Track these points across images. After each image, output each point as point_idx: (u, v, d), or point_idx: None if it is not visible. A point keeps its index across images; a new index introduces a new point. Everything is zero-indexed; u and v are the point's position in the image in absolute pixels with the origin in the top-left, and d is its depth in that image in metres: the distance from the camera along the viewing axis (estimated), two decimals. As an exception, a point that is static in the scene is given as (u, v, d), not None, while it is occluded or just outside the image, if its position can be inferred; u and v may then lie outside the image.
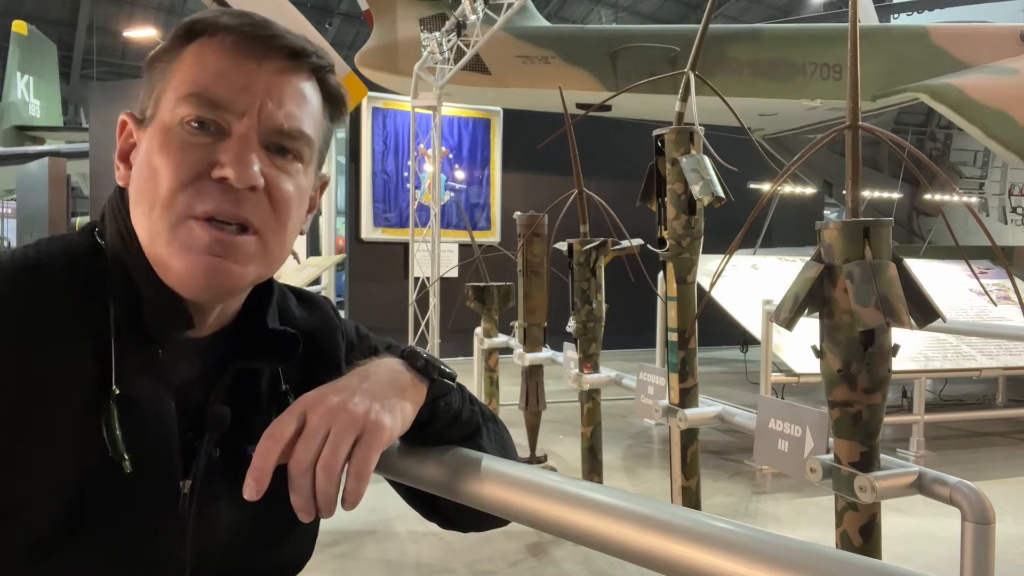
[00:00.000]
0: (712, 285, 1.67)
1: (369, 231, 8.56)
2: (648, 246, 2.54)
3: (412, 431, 0.82)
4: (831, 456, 1.39)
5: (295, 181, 0.78)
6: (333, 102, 0.84)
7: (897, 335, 1.34)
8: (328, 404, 0.74)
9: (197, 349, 0.81)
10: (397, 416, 0.78)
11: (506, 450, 0.97)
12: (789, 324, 1.33)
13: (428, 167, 7.68)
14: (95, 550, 0.70)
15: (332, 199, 10.87)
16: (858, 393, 1.30)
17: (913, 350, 4.98)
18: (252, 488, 0.70)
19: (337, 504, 0.74)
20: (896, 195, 8.99)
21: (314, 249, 10.50)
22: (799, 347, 4.69)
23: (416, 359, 0.85)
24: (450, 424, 0.87)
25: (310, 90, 0.80)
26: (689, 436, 2.24)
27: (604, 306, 3.14)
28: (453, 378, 0.88)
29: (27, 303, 0.71)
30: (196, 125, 0.73)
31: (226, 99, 0.74)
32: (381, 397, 0.77)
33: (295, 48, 0.78)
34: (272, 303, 0.86)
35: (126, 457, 0.70)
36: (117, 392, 0.71)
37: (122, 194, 0.80)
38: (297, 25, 4.94)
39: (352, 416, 0.73)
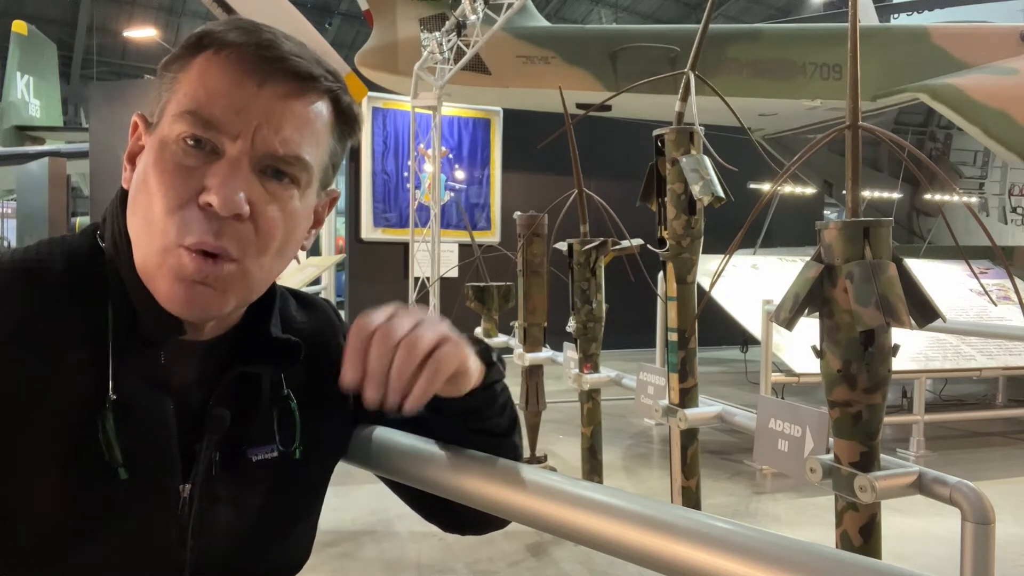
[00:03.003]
0: (712, 285, 1.68)
1: (369, 231, 8.56)
2: (648, 246, 2.54)
3: (468, 418, 0.84)
4: (831, 456, 1.39)
5: (287, 206, 0.76)
6: (345, 121, 0.82)
7: (897, 335, 1.35)
8: (417, 311, 0.76)
9: (198, 352, 0.81)
10: (468, 360, 0.79)
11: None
12: (789, 324, 1.33)
13: (428, 167, 7.68)
14: (94, 554, 0.70)
15: (332, 199, 10.85)
16: (858, 393, 1.30)
17: (913, 350, 4.98)
18: (350, 375, 0.72)
19: (401, 401, 0.73)
20: (896, 195, 8.99)
21: (314, 249, 10.49)
22: (799, 347, 4.69)
23: (477, 342, 0.86)
24: (501, 411, 0.89)
25: (315, 113, 0.77)
26: (689, 436, 2.24)
27: (604, 306, 3.14)
28: (505, 367, 0.90)
29: (26, 305, 0.71)
30: (191, 143, 0.72)
31: (220, 120, 0.72)
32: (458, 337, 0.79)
33: (301, 72, 0.75)
34: (275, 311, 0.86)
35: (122, 463, 0.70)
36: (114, 398, 0.71)
37: (123, 198, 0.79)
38: (297, 25, 4.94)
39: (438, 324, 0.76)
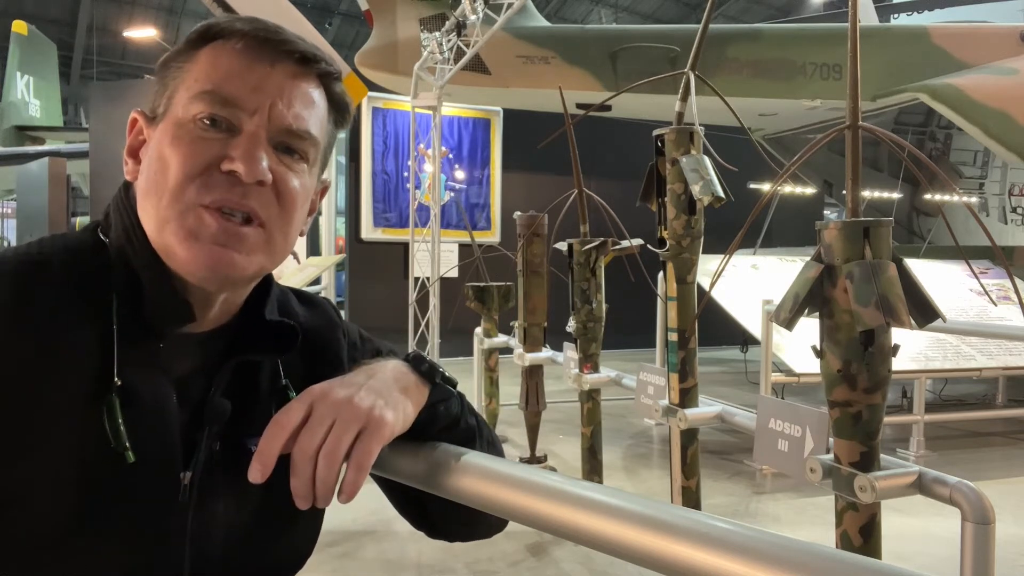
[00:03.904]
0: (712, 285, 1.67)
1: (369, 231, 8.56)
2: (648, 246, 2.54)
3: (410, 433, 0.83)
4: (831, 456, 1.39)
5: (300, 179, 0.81)
6: (338, 108, 0.86)
7: (897, 335, 1.34)
8: (335, 396, 0.77)
9: (197, 343, 0.82)
10: (399, 413, 0.80)
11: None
12: (789, 324, 1.33)
13: (428, 167, 7.68)
14: (96, 540, 0.70)
15: (332, 199, 10.87)
16: (858, 393, 1.30)
17: (913, 350, 4.98)
18: (257, 471, 0.72)
19: (334, 496, 0.75)
20: (896, 195, 8.99)
21: (314, 249, 10.50)
22: (799, 347, 4.69)
23: (420, 363, 0.87)
24: (448, 429, 0.88)
25: (317, 95, 0.82)
26: (689, 436, 2.24)
27: (604, 306, 3.14)
28: (454, 385, 0.91)
29: (30, 297, 0.72)
30: (208, 122, 0.76)
31: (238, 97, 0.76)
32: (385, 394, 0.80)
33: (306, 54, 0.80)
34: (271, 297, 0.88)
35: (128, 446, 0.70)
36: (119, 384, 0.72)
37: (127, 190, 0.81)
38: (297, 25, 4.94)
39: (357, 409, 0.76)
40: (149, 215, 0.77)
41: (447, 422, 0.88)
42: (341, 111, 0.86)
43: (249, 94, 0.76)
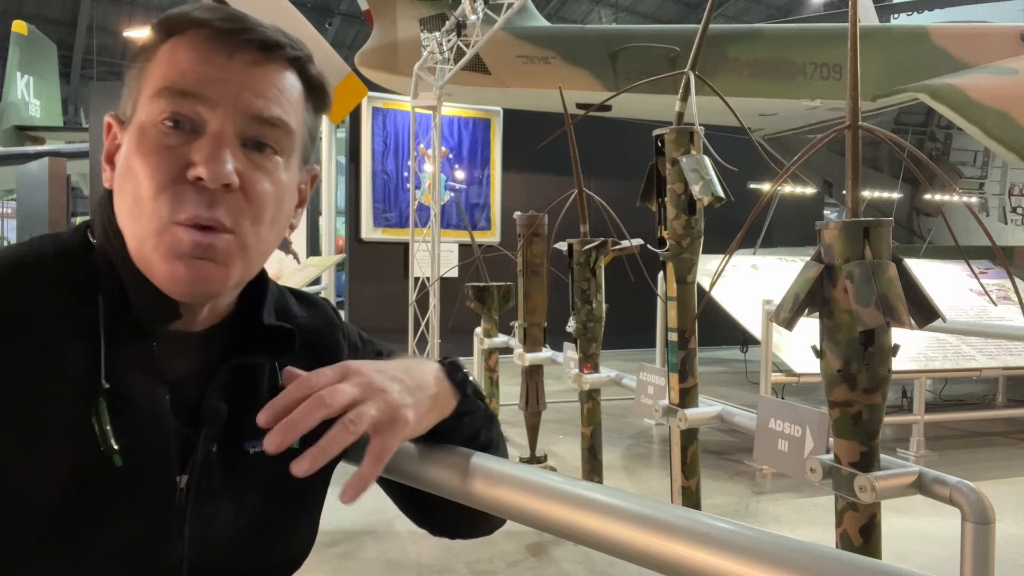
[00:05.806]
0: (712, 285, 1.67)
1: (369, 231, 8.56)
2: (648, 246, 2.54)
3: (430, 437, 0.83)
4: (831, 456, 1.39)
5: (274, 177, 0.77)
6: (314, 91, 0.82)
7: (897, 335, 1.35)
8: (371, 379, 0.76)
9: (192, 344, 0.81)
10: (421, 420, 0.80)
11: None
12: (789, 324, 1.33)
13: (428, 167, 7.68)
14: (91, 544, 0.70)
15: (332, 199, 10.86)
16: (858, 393, 1.30)
17: (913, 350, 4.98)
18: (267, 415, 0.69)
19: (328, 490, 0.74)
20: (896, 195, 8.99)
21: (314, 249, 10.49)
22: (799, 347, 4.69)
23: (456, 372, 0.88)
24: (467, 441, 0.88)
25: (287, 82, 0.78)
26: (689, 436, 2.24)
27: (604, 306, 3.14)
28: (482, 399, 0.91)
29: (17, 298, 0.71)
30: (171, 124, 0.73)
31: (197, 89, 0.72)
32: (417, 397, 0.79)
33: (267, 41, 0.76)
34: (267, 299, 0.86)
35: (116, 449, 0.70)
36: (107, 387, 0.71)
37: (110, 193, 0.80)
38: (297, 25, 4.94)
39: (387, 401, 0.75)
40: (126, 227, 0.75)
41: (467, 435, 0.88)
42: (318, 94, 0.83)
43: (208, 84, 0.73)
